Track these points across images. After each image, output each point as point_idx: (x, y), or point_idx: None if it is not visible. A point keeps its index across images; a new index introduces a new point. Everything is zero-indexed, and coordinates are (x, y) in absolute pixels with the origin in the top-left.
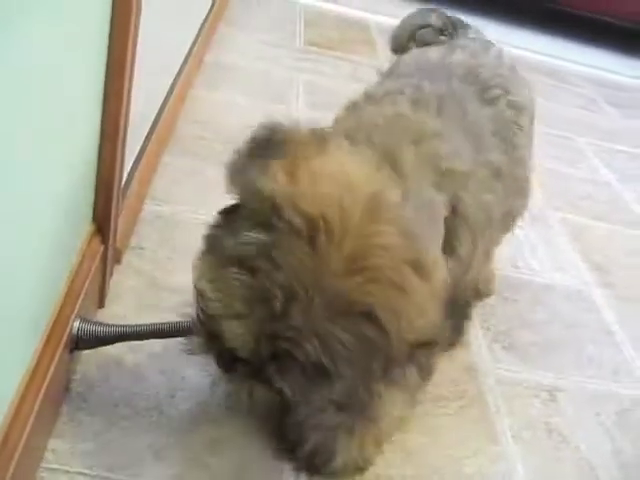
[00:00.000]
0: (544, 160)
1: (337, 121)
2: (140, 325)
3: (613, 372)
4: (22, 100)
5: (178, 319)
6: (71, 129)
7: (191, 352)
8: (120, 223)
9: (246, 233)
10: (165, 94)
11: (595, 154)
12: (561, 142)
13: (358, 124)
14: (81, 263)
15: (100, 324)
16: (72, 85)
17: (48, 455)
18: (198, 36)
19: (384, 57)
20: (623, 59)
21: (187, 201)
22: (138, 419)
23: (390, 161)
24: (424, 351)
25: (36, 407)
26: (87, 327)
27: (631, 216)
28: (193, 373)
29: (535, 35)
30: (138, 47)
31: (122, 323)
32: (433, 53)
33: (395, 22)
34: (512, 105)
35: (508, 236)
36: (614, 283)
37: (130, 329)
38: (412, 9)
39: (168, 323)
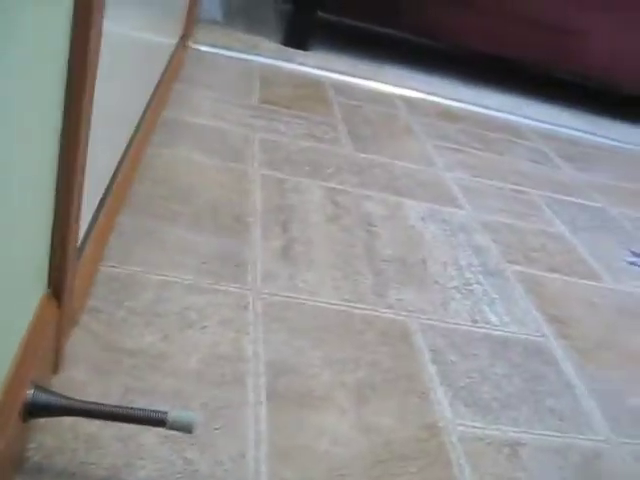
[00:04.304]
0: (498, 214)
1: None
2: (101, 404)
3: (574, 424)
4: None
5: (144, 407)
6: (25, 192)
7: None
8: (76, 286)
9: None
10: (122, 153)
11: (548, 206)
12: (515, 196)
13: None
14: (35, 328)
15: (58, 395)
16: (25, 147)
17: None
18: (154, 94)
19: (339, 115)
20: (575, 114)
21: (143, 262)
22: None
23: None
24: None
25: None
26: (42, 396)
27: (585, 267)
28: (151, 440)
29: (487, 92)
30: (94, 107)
31: (76, 396)
32: None
33: (349, 80)
34: None
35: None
36: (572, 335)
37: (89, 406)
38: (364, 67)
39: (132, 409)
